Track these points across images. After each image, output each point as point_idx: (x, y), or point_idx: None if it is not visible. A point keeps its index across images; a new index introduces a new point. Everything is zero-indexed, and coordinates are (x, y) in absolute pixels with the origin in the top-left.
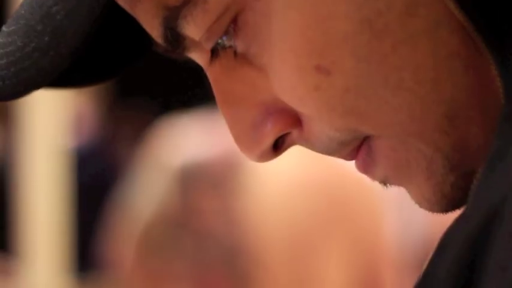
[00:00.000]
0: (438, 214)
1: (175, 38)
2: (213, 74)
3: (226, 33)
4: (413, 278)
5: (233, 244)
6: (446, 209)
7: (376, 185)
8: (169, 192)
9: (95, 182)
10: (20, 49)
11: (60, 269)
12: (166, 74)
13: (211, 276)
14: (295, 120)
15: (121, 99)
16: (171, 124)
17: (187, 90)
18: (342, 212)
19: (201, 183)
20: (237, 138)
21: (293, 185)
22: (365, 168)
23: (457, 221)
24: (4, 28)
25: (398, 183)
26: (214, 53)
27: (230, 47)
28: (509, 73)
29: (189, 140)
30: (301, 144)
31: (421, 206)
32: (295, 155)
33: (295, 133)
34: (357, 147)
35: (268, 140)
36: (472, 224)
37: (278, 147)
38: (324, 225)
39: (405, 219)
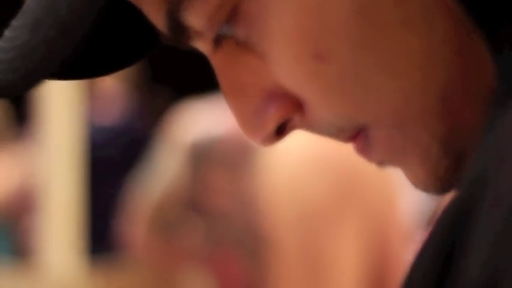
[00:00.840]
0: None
1: (179, 28)
2: (217, 62)
3: (227, 22)
4: None
5: (245, 223)
6: (441, 190)
7: None
8: (181, 169)
9: (116, 161)
10: (27, 42)
11: (75, 250)
12: (185, 61)
13: (223, 255)
14: (297, 105)
15: (148, 82)
16: (189, 107)
17: (205, 77)
18: (354, 190)
19: (213, 160)
20: (241, 124)
21: (305, 164)
22: (362, 152)
23: (450, 201)
24: (13, 22)
25: (394, 166)
26: (217, 42)
27: (232, 36)
28: (501, 56)
29: (203, 120)
30: (303, 129)
31: (416, 188)
32: (307, 134)
33: (296, 118)
34: (355, 134)
35: (271, 126)
36: (457, 201)
37: (281, 131)
38: (336, 204)
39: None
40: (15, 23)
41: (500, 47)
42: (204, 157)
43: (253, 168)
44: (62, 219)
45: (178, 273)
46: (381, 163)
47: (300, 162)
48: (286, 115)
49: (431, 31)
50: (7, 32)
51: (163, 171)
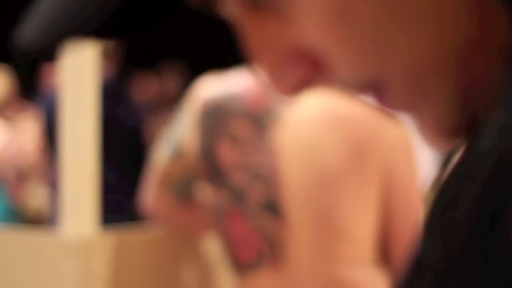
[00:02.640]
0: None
1: None
2: (244, 22)
3: None
4: None
5: (260, 177)
6: (449, 145)
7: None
8: (195, 126)
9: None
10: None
11: (90, 216)
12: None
13: (234, 214)
14: (318, 61)
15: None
16: (206, 79)
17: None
18: (369, 145)
19: (230, 114)
20: (269, 75)
21: (320, 124)
22: (379, 102)
23: (467, 159)
24: None
25: (408, 115)
26: (244, 2)
27: None
28: None
29: (218, 83)
30: (323, 86)
31: (425, 141)
32: (323, 97)
33: (318, 75)
34: (373, 88)
35: (294, 82)
36: (485, 167)
37: (302, 87)
38: (352, 164)
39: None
40: None
41: None
42: (220, 111)
43: (270, 126)
44: (78, 185)
45: (193, 234)
46: (396, 112)
47: (315, 122)
48: (307, 73)
49: None
50: None
51: (178, 130)
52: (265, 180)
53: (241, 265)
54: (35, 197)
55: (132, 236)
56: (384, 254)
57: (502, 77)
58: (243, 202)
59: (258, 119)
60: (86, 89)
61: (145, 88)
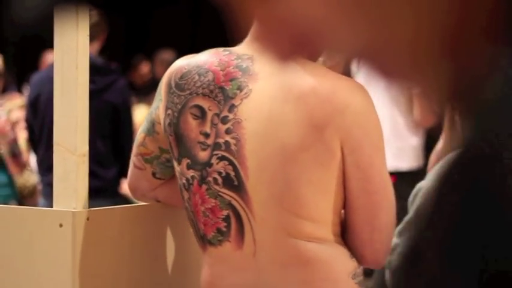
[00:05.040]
0: None
1: None
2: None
3: None
4: None
5: (220, 150)
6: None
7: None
8: (161, 102)
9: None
10: None
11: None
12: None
13: (193, 190)
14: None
15: None
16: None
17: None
18: (329, 120)
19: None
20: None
21: (284, 93)
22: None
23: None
24: None
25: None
26: None
27: None
28: None
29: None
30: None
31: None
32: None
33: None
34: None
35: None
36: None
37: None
38: (311, 134)
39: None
40: None
41: None
42: (185, 82)
43: (235, 98)
44: (69, 163)
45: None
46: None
47: (278, 96)
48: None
49: None
50: None
51: (153, 107)
52: (228, 154)
53: (203, 238)
54: (24, 173)
55: (118, 208)
56: (345, 229)
57: (495, 54)
58: (206, 176)
59: (223, 91)
60: (78, 68)
61: (139, 73)
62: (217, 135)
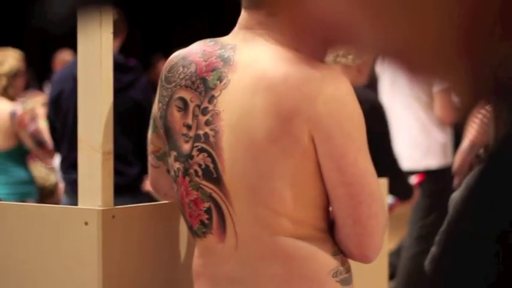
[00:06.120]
0: None
1: None
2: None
3: None
4: None
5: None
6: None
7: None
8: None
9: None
10: None
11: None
12: None
13: (180, 182)
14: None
15: None
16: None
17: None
18: (297, 110)
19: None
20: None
21: (255, 84)
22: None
23: None
24: None
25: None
26: None
27: None
28: None
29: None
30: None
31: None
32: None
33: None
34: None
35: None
36: None
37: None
38: (279, 125)
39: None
40: None
41: None
42: (172, 75)
43: (216, 89)
44: (93, 162)
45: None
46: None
47: (250, 87)
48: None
49: None
50: None
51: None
52: (207, 146)
53: (191, 229)
54: (42, 170)
55: (143, 206)
56: (322, 221)
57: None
58: (188, 168)
59: (204, 82)
60: (102, 66)
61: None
62: (197, 127)
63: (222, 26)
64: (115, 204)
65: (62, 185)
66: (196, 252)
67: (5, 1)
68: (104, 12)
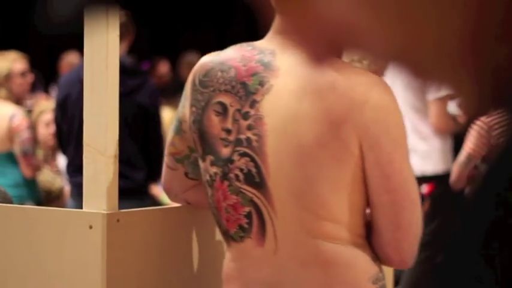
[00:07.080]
0: None
1: None
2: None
3: None
4: None
5: (243, 147)
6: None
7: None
8: (186, 100)
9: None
10: None
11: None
12: None
13: (216, 187)
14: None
15: None
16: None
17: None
18: (346, 117)
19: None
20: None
21: (302, 89)
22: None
23: None
24: None
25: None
26: None
27: None
28: None
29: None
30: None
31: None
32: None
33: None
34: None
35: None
36: None
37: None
38: (327, 131)
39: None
40: None
41: None
42: (209, 78)
43: (257, 94)
44: (99, 165)
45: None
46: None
47: (297, 92)
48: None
49: None
50: None
51: (180, 105)
52: (249, 151)
53: (226, 234)
54: (49, 174)
55: (148, 210)
56: (371, 229)
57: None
58: (228, 173)
59: (245, 86)
60: (108, 69)
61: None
62: (238, 132)
63: (228, 32)
64: (122, 208)
65: (68, 189)
66: (229, 256)
67: (11, 3)
68: (111, 12)
